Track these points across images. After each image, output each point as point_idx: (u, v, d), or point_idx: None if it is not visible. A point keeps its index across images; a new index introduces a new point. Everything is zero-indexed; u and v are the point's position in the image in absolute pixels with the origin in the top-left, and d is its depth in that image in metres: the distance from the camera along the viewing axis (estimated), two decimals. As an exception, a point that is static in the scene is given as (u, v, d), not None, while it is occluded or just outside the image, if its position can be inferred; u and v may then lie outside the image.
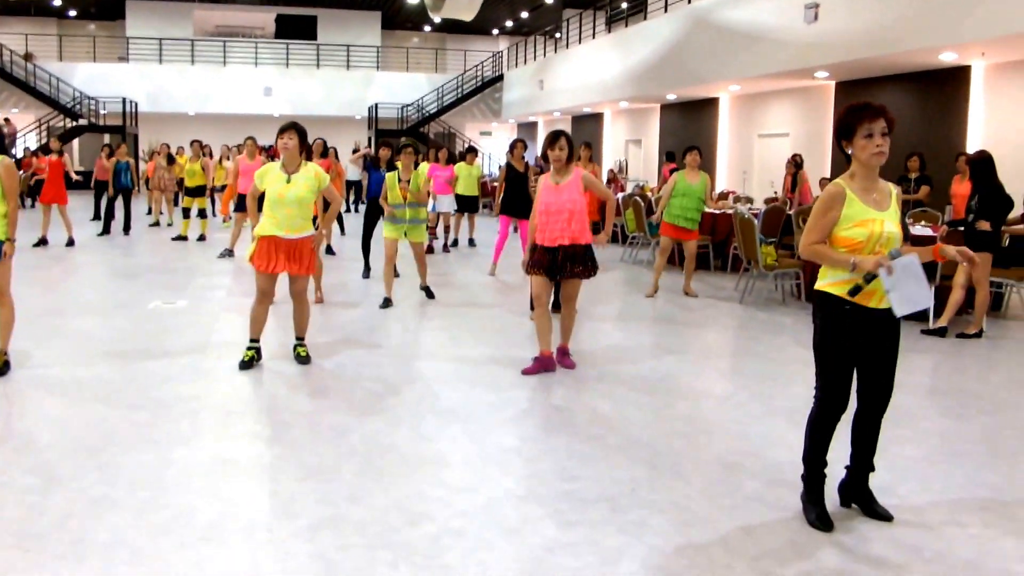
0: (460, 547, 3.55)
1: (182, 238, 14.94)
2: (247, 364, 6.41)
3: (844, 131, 3.73)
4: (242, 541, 3.59)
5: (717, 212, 12.30)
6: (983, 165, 8.04)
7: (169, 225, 17.40)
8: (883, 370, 3.78)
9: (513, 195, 11.37)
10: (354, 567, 3.37)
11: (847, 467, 3.95)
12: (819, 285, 3.81)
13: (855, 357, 3.75)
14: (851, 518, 3.90)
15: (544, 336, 6.43)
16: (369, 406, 5.52)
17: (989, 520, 3.92)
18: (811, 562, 3.47)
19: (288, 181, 6.26)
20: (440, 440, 4.91)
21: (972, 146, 13.89)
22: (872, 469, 3.92)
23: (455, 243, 14.79)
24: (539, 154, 12.02)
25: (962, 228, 8.11)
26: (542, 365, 6.40)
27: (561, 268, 6.30)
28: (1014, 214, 8.57)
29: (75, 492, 4.08)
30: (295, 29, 34.73)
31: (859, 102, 3.73)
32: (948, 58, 13.50)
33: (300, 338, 6.66)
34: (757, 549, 3.58)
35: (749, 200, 15.82)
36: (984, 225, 7.80)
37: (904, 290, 3.57)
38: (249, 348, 6.50)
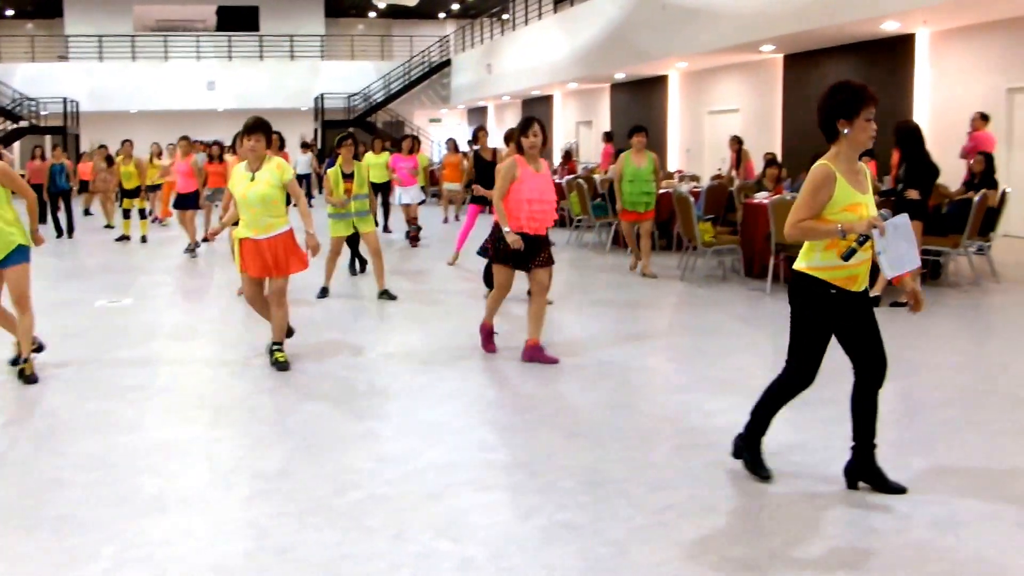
0: (383, 511, 3.82)
1: (125, 238, 14.81)
2: (283, 365, 6.18)
3: (845, 110, 3.66)
4: (182, 512, 3.86)
5: (661, 191, 12.15)
6: (909, 134, 8.19)
7: (111, 227, 17.17)
8: (872, 345, 3.82)
9: (483, 185, 11.09)
10: (284, 532, 3.63)
11: (852, 447, 3.93)
12: (800, 266, 3.81)
13: (829, 338, 3.82)
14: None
15: (492, 312, 6.52)
16: (307, 390, 5.75)
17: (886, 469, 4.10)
18: (713, 517, 3.75)
19: (252, 179, 6.04)
20: (372, 418, 5.16)
21: (918, 115, 13.86)
22: (875, 446, 3.91)
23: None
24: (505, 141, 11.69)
25: (892, 197, 8.25)
26: (486, 334, 6.53)
27: (533, 256, 6.21)
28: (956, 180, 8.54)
29: (26, 475, 4.32)
30: (237, 21, 34.31)
31: (853, 82, 3.70)
32: (891, 27, 13.52)
33: (277, 343, 6.27)
34: (661, 503, 3.85)
35: (695, 178, 15.73)
36: (913, 194, 7.94)
37: (895, 251, 3.59)
38: (277, 351, 6.26)
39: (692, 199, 9.95)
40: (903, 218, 3.63)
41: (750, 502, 3.84)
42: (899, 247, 3.59)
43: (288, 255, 6.12)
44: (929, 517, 3.64)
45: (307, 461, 4.43)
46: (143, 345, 7.10)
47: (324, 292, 8.92)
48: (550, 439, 4.72)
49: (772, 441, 4.53)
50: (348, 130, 9.51)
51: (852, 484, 3.93)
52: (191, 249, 12.52)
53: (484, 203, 10.73)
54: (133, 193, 14.82)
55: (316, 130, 31.79)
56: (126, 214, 14.89)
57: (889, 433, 4.65)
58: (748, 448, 4.06)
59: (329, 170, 8.87)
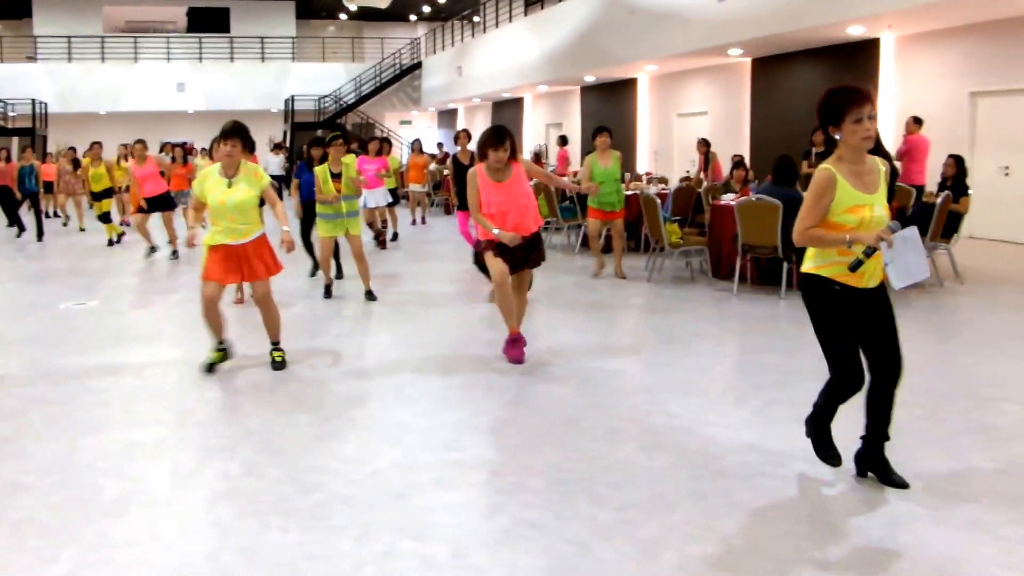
0: (347, 511, 3.84)
1: (112, 242, 14.43)
2: (211, 367, 6.18)
3: (831, 117, 3.72)
4: (143, 514, 3.86)
5: (628, 193, 12.24)
6: None
7: (82, 230, 17.00)
8: (886, 343, 3.83)
9: (462, 189, 11.05)
10: (248, 532, 3.64)
11: (862, 437, 4.01)
12: (806, 268, 3.87)
13: (855, 334, 3.82)
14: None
15: (511, 315, 6.28)
16: (272, 393, 5.76)
17: (844, 469, 4.19)
18: (674, 514, 3.80)
19: (229, 186, 5.95)
20: (337, 420, 5.18)
21: (884, 117, 14.04)
22: (887, 438, 3.97)
23: (395, 236, 14.42)
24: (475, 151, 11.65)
25: None
26: (517, 344, 6.29)
27: (525, 257, 6.22)
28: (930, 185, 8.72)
29: None
30: (207, 22, 34.13)
31: (844, 86, 3.73)
32: (856, 31, 13.70)
33: (275, 343, 6.34)
34: (624, 502, 3.90)
35: (663, 180, 15.85)
36: None
37: (902, 262, 3.62)
38: (217, 350, 6.25)
39: (659, 201, 10.02)
40: (912, 230, 3.66)
41: (710, 501, 3.88)
42: (907, 258, 3.62)
43: (262, 260, 6.10)
44: (889, 513, 3.71)
45: (269, 462, 4.43)
46: (109, 348, 7.06)
47: (328, 292, 9.06)
48: (515, 440, 4.75)
49: (731, 440, 4.62)
50: (331, 131, 9.39)
51: (862, 472, 4.05)
52: (170, 252, 12.34)
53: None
54: (104, 195, 14.62)
55: (286, 132, 31.64)
56: (104, 218, 14.61)
57: (854, 430, 4.72)
58: (815, 441, 4.10)
59: (317, 168, 8.85)
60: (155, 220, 12.92)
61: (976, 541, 3.46)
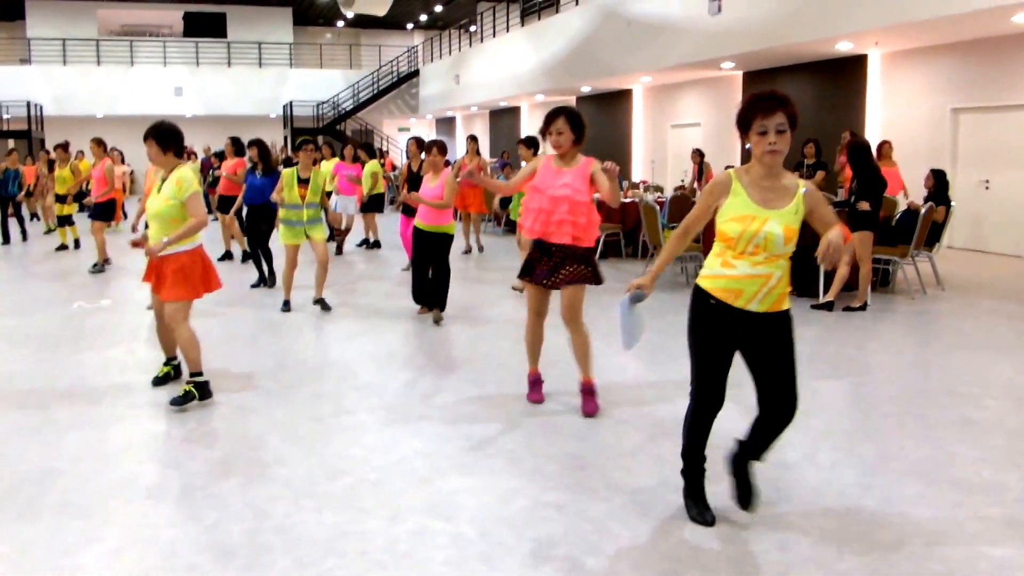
0: (375, 495, 4.07)
1: (63, 247, 14.27)
2: (160, 381, 5.93)
3: (741, 124, 3.48)
4: (182, 497, 4.06)
5: (627, 201, 12.60)
6: (859, 151, 8.72)
7: (49, 231, 17.04)
8: (776, 378, 3.50)
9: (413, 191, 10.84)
10: (284, 513, 3.87)
11: (737, 440, 3.77)
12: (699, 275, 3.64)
13: (725, 355, 3.55)
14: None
15: (531, 349, 5.49)
16: (293, 387, 5.97)
17: (837, 458, 4.59)
18: (677, 494, 3.99)
19: (158, 191, 5.44)
20: (359, 412, 5.41)
21: (870, 132, 14.46)
22: (758, 459, 3.75)
23: (377, 243, 14.22)
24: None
25: (846, 208, 8.76)
26: (535, 387, 5.56)
27: (555, 271, 5.16)
28: (914, 198, 9.04)
29: (21, 466, 4.46)
30: (204, 27, 34.22)
31: (761, 92, 3.44)
32: (844, 47, 14.08)
33: (193, 373, 5.52)
34: (636, 485, 4.16)
35: (658, 189, 16.22)
36: (864, 205, 8.48)
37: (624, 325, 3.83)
38: (165, 364, 6.03)
39: (658, 207, 10.35)
40: (626, 300, 3.77)
41: (715, 485, 4.07)
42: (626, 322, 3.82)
43: (172, 279, 5.34)
44: (879, 496, 4.01)
45: (297, 450, 4.65)
46: (127, 343, 7.28)
47: (287, 305, 8.67)
48: (530, 429, 4.99)
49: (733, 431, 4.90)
50: (307, 136, 8.96)
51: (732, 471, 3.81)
52: (97, 266, 11.77)
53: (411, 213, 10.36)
54: (64, 198, 14.03)
55: (286, 137, 31.88)
56: (63, 221, 14.22)
57: (843, 423, 5.09)
58: (690, 495, 3.80)
59: (285, 171, 8.53)
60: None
61: (959, 518, 3.77)
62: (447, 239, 8.00)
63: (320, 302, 8.66)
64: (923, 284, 9.74)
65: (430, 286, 8.19)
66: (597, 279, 5.21)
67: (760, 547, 3.53)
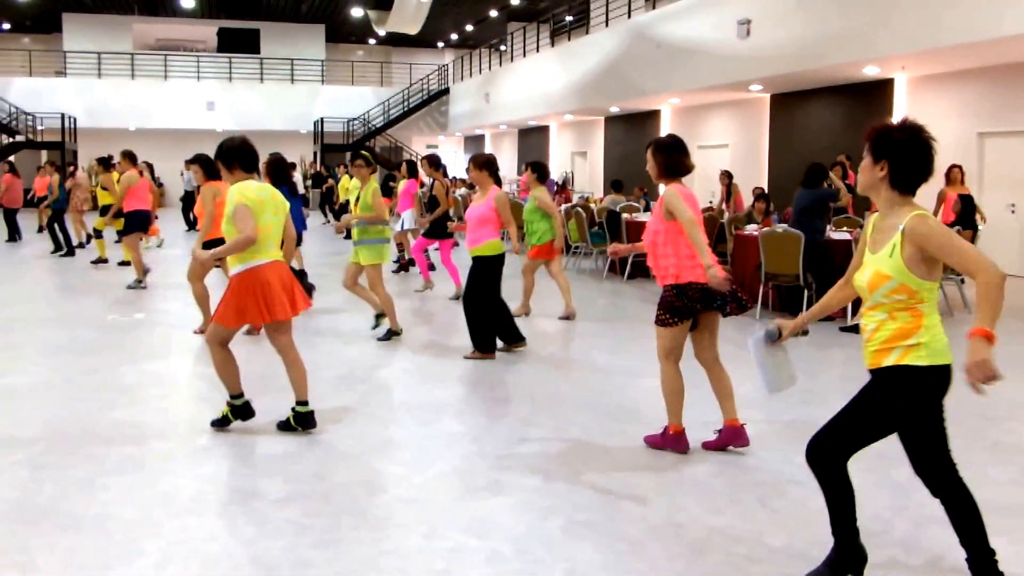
0: (413, 512, 4.14)
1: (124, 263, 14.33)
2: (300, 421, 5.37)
3: None
4: (223, 511, 4.14)
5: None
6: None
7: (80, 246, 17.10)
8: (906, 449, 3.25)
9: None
10: (323, 528, 3.93)
11: None
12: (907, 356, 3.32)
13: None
14: None
15: (676, 408, 4.99)
16: (329, 401, 6.00)
17: (871, 479, 4.33)
18: (719, 518, 4.04)
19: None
20: (394, 427, 5.51)
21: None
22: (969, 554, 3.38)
23: (411, 262, 13.41)
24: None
25: None
26: (674, 443, 4.99)
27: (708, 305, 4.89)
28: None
29: (64, 478, 4.54)
30: (237, 43, 34.68)
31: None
32: (871, 72, 14.12)
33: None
34: (671, 507, 4.18)
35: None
36: None
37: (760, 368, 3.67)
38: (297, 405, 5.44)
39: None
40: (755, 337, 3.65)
41: (749, 509, 4.16)
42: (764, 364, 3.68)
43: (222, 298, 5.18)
44: (912, 517, 4.02)
45: (335, 466, 4.72)
46: (163, 357, 7.41)
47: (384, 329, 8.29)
48: (561, 449, 5.04)
49: (764, 457, 4.94)
50: (362, 151, 8.74)
51: None
52: (140, 282, 11.58)
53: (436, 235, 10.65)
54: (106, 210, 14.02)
55: (316, 153, 32.19)
56: (98, 234, 14.32)
57: (875, 445, 4.85)
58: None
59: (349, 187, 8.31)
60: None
61: (994, 544, 3.78)
62: (486, 263, 7.19)
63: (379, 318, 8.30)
64: (950, 307, 9.70)
65: (505, 319, 7.51)
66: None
67: (792, 570, 3.54)
